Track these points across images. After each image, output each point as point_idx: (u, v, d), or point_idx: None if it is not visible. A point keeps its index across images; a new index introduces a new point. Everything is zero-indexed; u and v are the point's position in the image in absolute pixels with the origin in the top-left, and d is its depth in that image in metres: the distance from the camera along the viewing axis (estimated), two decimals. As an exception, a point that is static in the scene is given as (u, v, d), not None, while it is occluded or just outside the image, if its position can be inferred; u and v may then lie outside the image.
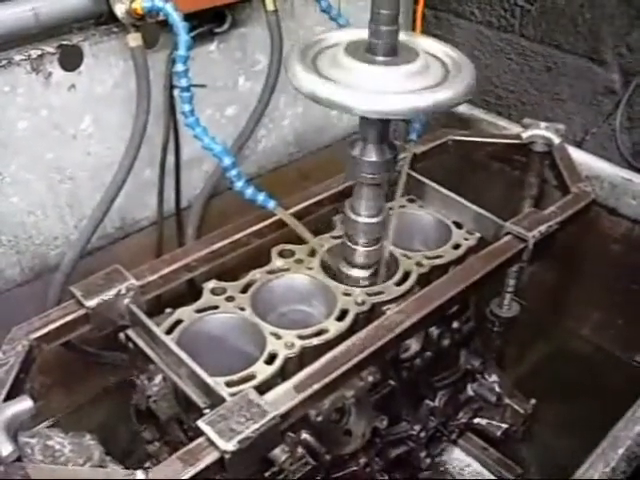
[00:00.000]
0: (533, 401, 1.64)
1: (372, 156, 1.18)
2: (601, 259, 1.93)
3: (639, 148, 1.89)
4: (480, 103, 2.18)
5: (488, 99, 2.18)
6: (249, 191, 1.27)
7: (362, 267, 1.31)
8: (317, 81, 1.03)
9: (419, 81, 1.06)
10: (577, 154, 1.72)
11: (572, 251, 1.89)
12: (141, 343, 1.16)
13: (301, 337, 1.17)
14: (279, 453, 1.11)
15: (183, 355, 1.07)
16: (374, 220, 1.26)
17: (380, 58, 1.07)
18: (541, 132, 1.62)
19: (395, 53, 1.09)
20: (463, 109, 2.14)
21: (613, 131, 1.92)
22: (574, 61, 1.95)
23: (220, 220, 1.57)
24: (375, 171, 1.19)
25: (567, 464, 1.13)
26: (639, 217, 1.83)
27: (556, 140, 1.61)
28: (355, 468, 1.38)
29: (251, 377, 1.08)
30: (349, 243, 1.29)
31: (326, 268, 1.33)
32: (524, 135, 1.63)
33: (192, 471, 0.88)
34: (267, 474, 1.17)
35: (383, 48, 1.07)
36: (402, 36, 1.11)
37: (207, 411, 1.00)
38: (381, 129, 1.17)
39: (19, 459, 0.89)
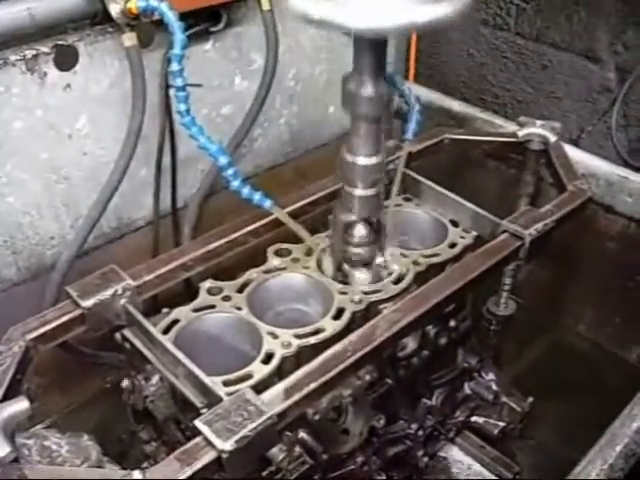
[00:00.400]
0: (530, 399, 1.64)
1: (368, 89, 1.09)
2: (597, 257, 1.93)
3: (635, 146, 1.90)
4: (476, 101, 2.19)
5: (484, 97, 2.18)
6: (245, 190, 1.26)
7: (361, 221, 1.25)
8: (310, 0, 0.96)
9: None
10: (573, 152, 1.72)
11: (569, 249, 1.90)
12: (138, 343, 1.16)
13: (298, 336, 1.17)
14: (277, 452, 1.11)
15: (180, 355, 1.07)
16: (372, 160, 1.19)
17: None
18: (537, 130, 1.62)
19: None
20: (459, 107, 2.14)
21: (609, 129, 1.92)
22: (570, 59, 1.95)
23: (216, 219, 1.57)
24: (372, 105, 1.11)
25: (564, 461, 1.14)
26: (635, 215, 1.83)
27: (552, 138, 1.61)
28: (353, 467, 1.38)
29: (248, 376, 1.08)
30: (347, 188, 1.22)
31: (322, 267, 1.33)
32: (520, 133, 1.63)
33: (189, 471, 0.88)
34: (265, 473, 1.17)
35: None
36: None
37: (204, 411, 1.00)
38: (377, 56, 1.09)
39: (16, 460, 0.89)
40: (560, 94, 2.01)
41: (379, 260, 1.32)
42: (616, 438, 1.12)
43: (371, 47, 1.07)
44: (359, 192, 1.21)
